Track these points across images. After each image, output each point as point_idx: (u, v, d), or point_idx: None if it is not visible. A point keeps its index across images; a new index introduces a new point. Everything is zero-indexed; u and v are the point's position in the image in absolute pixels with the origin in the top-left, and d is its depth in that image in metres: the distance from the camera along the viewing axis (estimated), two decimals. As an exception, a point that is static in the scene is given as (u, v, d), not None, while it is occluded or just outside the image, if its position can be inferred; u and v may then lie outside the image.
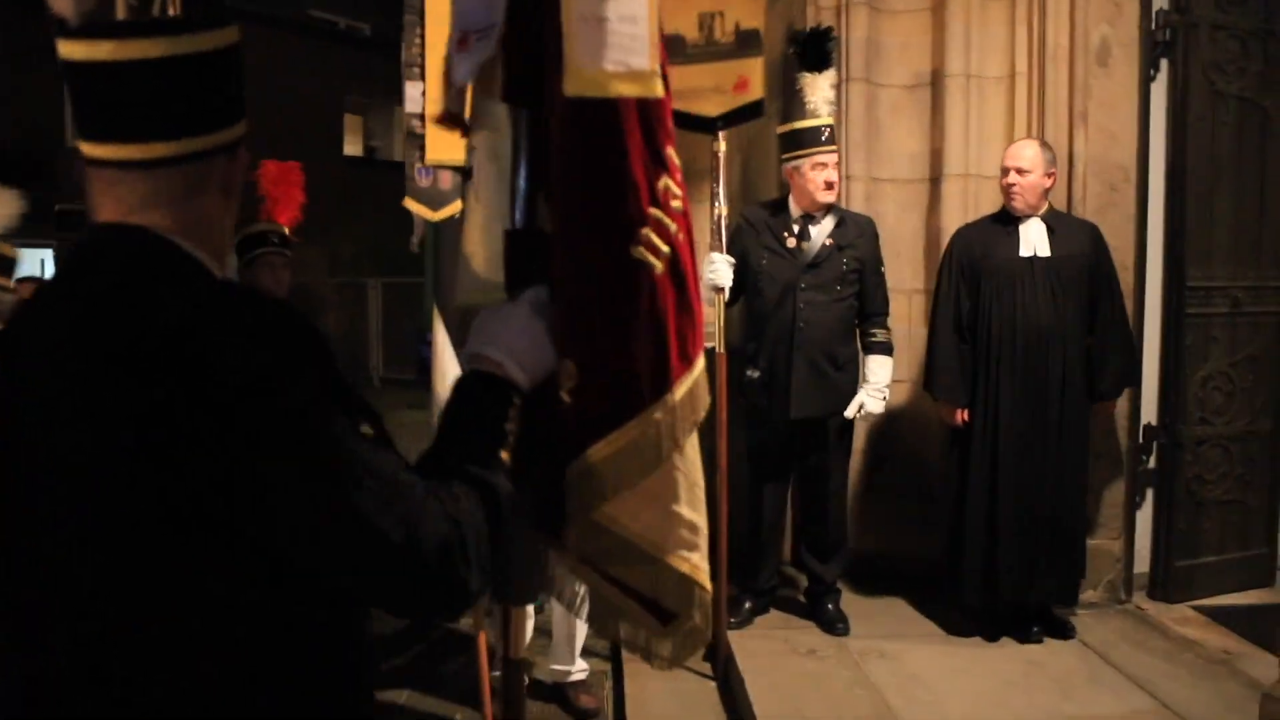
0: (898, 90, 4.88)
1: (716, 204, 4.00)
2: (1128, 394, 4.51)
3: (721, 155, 3.98)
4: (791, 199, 4.26)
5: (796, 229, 4.23)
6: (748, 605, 4.40)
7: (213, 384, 1.06)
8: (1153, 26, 4.58)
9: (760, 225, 4.27)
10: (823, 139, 4.12)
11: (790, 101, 4.34)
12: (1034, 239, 4.15)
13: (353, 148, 21.35)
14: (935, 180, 4.83)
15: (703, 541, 1.69)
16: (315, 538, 1.10)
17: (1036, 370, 4.09)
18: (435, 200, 3.61)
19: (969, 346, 4.21)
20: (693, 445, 1.65)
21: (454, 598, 1.19)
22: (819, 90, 4.21)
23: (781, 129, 4.28)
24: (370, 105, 21.33)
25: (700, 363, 1.65)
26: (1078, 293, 4.13)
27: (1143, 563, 4.68)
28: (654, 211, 1.57)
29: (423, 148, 3.46)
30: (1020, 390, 4.09)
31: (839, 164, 4.28)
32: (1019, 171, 4.12)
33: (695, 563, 1.67)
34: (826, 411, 4.21)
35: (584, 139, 1.53)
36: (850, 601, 4.51)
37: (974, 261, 4.20)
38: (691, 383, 1.62)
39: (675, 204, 1.61)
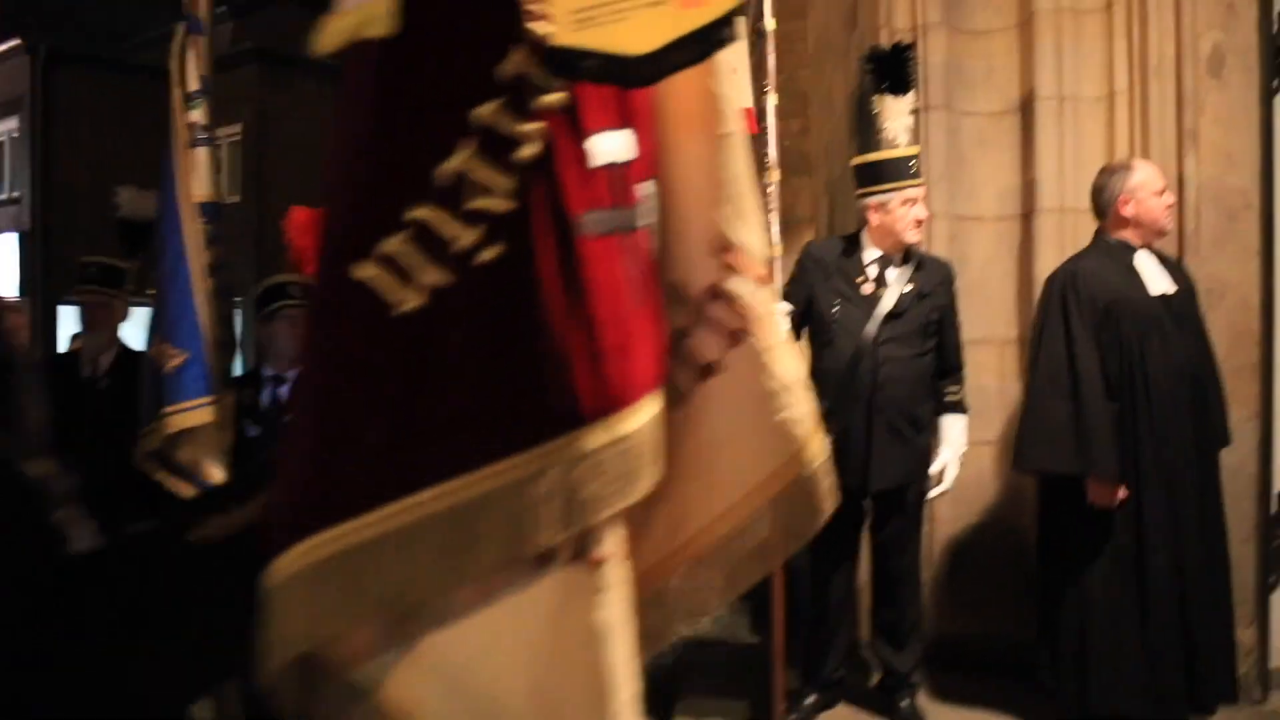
0: (983, 118, 4.40)
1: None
2: (1257, 453, 3.88)
3: (774, 174, 3.52)
4: (867, 237, 3.78)
5: (873, 273, 3.74)
6: (811, 699, 3.88)
7: None
8: (1274, 30, 4.00)
9: (830, 267, 3.78)
10: (910, 172, 3.66)
11: (866, 130, 3.91)
12: (1154, 273, 3.56)
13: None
14: (1027, 216, 4.31)
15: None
16: None
17: (1181, 427, 3.47)
18: None
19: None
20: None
21: None
22: (898, 116, 3.77)
23: (858, 160, 3.84)
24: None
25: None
26: (1198, 332, 3.56)
27: (1281, 656, 3.99)
28: (423, 214, 1.02)
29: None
30: (1170, 452, 3.46)
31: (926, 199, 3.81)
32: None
33: None
34: (907, 480, 3.71)
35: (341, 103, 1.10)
36: (930, 695, 3.97)
37: (1105, 303, 3.50)
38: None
39: (490, 204, 1.02)
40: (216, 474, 3.35)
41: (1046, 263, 4.19)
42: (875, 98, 3.76)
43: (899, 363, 3.65)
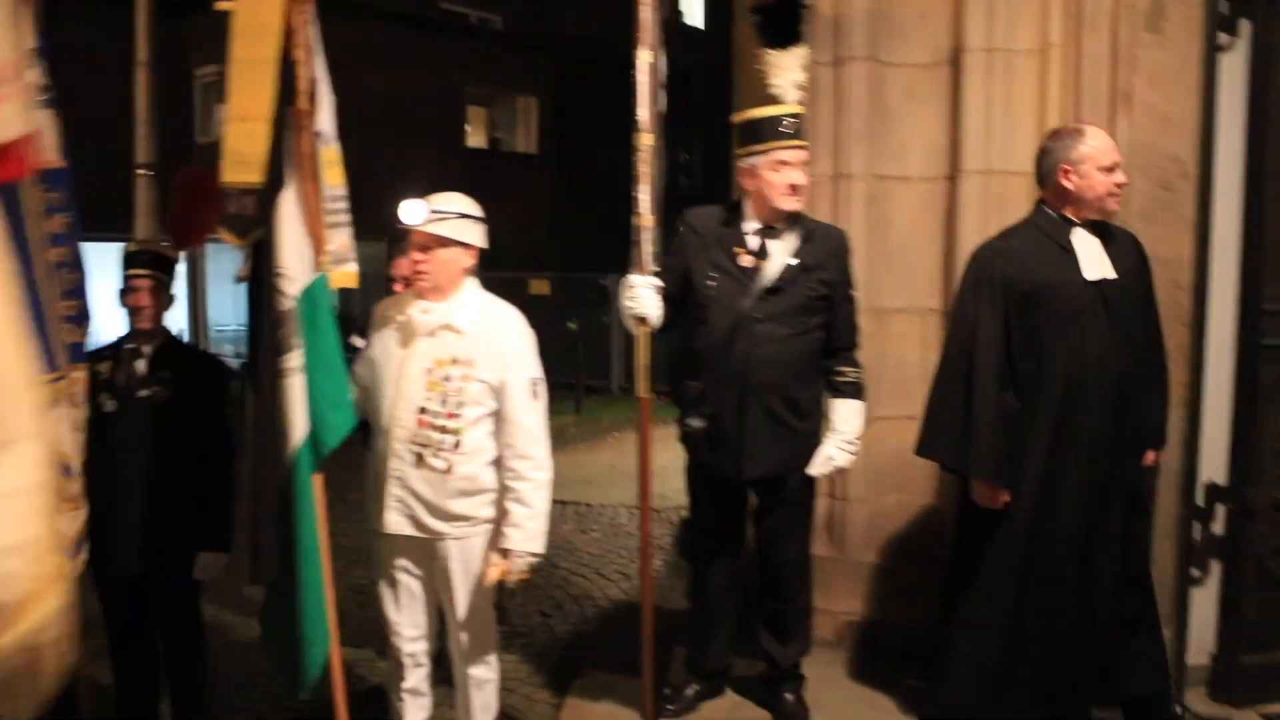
0: (912, 70, 4.04)
1: (636, 212, 3.31)
2: (1181, 446, 3.60)
3: (646, 138, 3.26)
4: (748, 206, 3.47)
5: (754, 244, 3.44)
6: (691, 690, 3.71)
7: None
8: (1219, -19, 3.60)
9: (709, 237, 3.49)
10: (785, 131, 3.33)
11: (749, 86, 3.60)
12: (1093, 255, 3.24)
13: (476, 139, 21.30)
14: (952, 178, 3.99)
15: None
16: None
17: (1097, 425, 3.21)
18: (242, 226, 3.07)
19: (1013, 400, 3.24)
20: None
21: None
22: (785, 71, 3.46)
23: (737, 118, 3.51)
24: (494, 96, 21.22)
25: None
26: (1136, 322, 3.27)
27: (1200, 655, 3.74)
28: None
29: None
30: (1089, 451, 3.21)
31: (809, 163, 3.44)
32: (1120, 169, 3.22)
33: None
34: (787, 468, 3.46)
35: None
36: (825, 684, 3.80)
37: (1024, 288, 3.22)
38: None
39: None
40: (67, 451, 3.22)
41: (970, 229, 3.90)
42: (763, 52, 3.44)
43: (777, 342, 3.37)
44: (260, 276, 3.04)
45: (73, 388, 3.26)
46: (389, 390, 3.14)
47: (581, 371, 12.85)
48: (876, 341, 4.13)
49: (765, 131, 3.34)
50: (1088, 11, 3.63)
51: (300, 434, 2.92)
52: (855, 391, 3.51)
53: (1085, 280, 3.19)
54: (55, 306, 3.22)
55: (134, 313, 3.51)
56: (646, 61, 3.26)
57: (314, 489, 2.95)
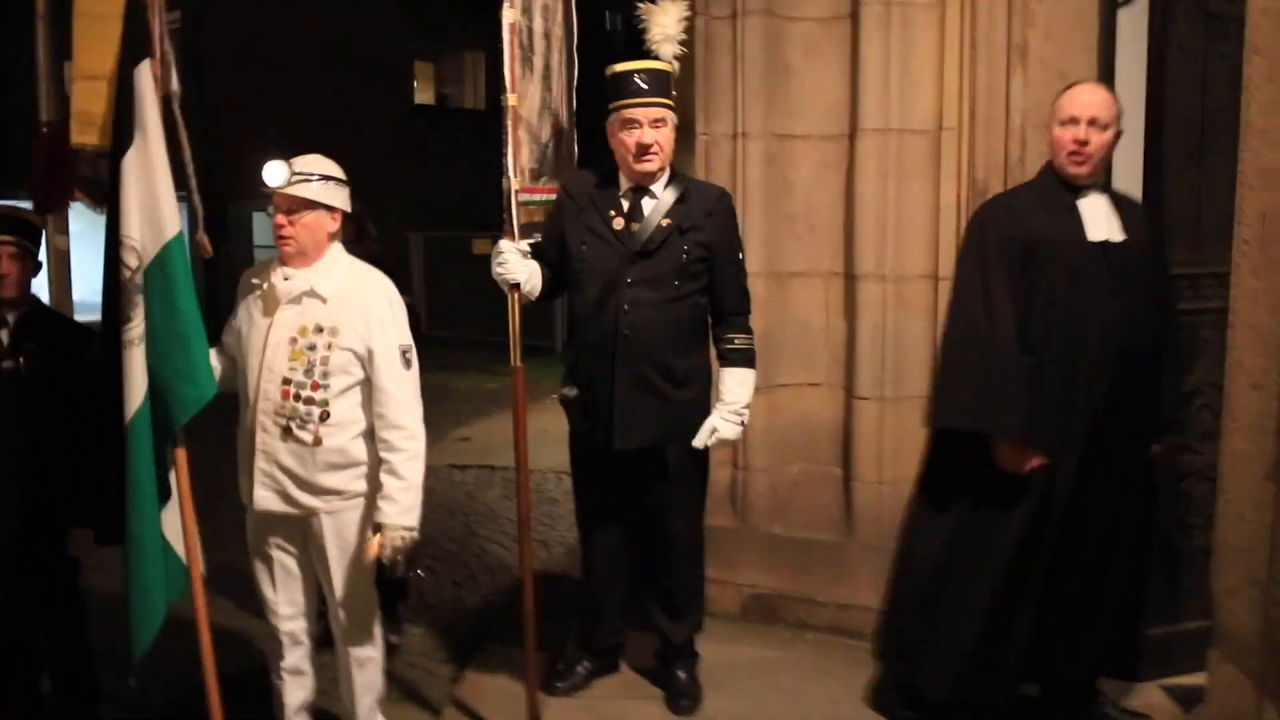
0: (811, 24, 3.90)
1: (506, 176, 3.15)
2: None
3: (511, 98, 3.11)
4: (621, 169, 3.34)
5: (626, 205, 3.30)
6: (583, 666, 3.62)
7: None
8: (1118, -72, 3.47)
9: (583, 200, 3.35)
10: (633, 90, 3.17)
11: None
12: (1100, 216, 3.06)
13: (424, 95, 20.89)
14: (851, 136, 3.85)
15: None
16: None
17: (1107, 401, 3.04)
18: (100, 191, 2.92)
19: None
20: None
21: None
22: (661, 25, 3.30)
23: (609, 72, 3.35)
24: (442, 51, 20.78)
25: None
26: (1145, 292, 3.08)
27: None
28: None
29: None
30: (1087, 423, 3.05)
31: (667, 121, 3.23)
32: (1092, 124, 2.98)
33: None
34: (662, 440, 3.33)
35: None
36: (725, 660, 3.71)
37: (1027, 244, 3.03)
38: None
39: None
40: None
41: (870, 190, 3.79)
42: (642, 5, 3.28)
43: (649, 307, 3.23)
44: (107, 244, 2.88)
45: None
46: (253, 361, 3.00)
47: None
48: (777, 306, 4.02)
49: (619, 89, 3.20)
50: (984, -38, 3.49)
51: (135, 405, 2.76)
52: (744, 359, 3.38)
53: (1089, 241, 3.02)
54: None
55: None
56: (508, 20, 3.09)
57: (155, 463, 2.80)
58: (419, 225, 14.97)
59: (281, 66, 15.84)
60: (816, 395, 4.10)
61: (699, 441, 3.32)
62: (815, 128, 3.93)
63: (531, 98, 3.45)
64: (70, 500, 3.27)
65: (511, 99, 3.14)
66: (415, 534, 3.01)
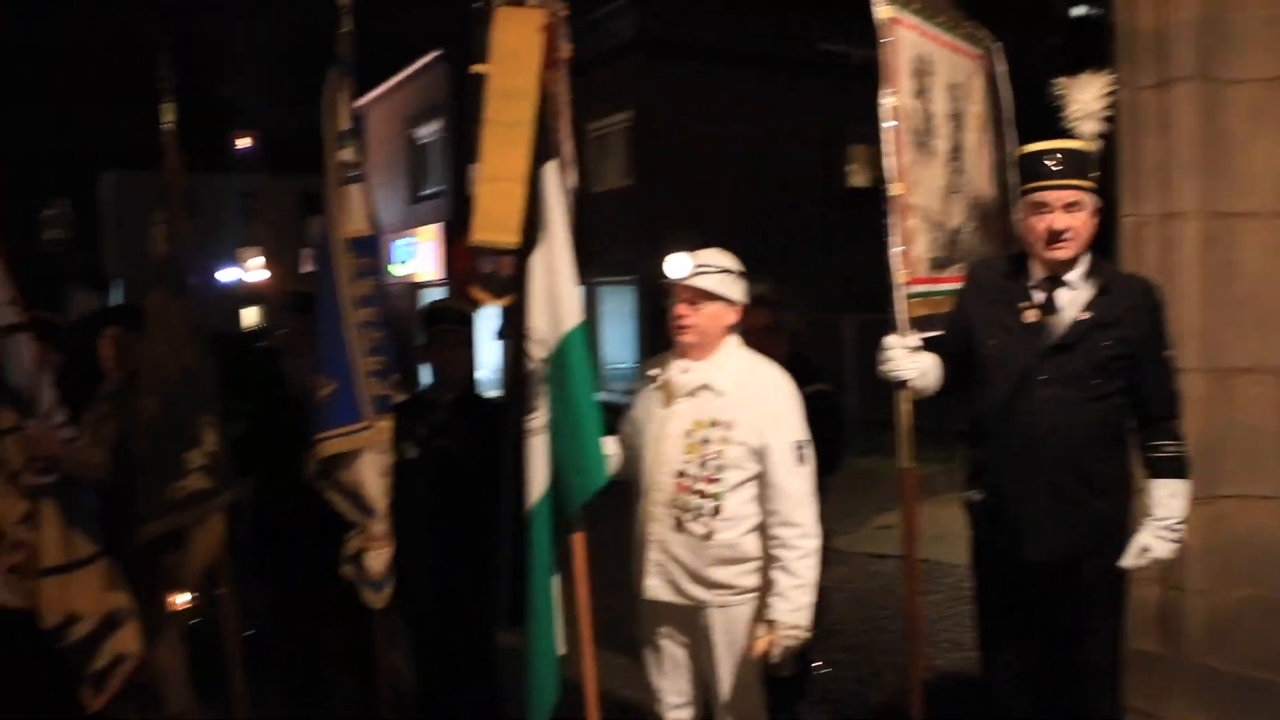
0: (1256, 86, 3.45)
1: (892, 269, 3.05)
2: None
3: (896, 187, 3.00)
4: (1032, 257, 3.09)
5: (1039, 297, 3.04)
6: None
7: None
8: None
9: (992, 289, 3.14)
10: (1046, 171, 2.93)
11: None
12: None
13: (858, 178, 21.06)
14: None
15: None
16: None
17: None
18: (498, 286, 3.14)
19: None
20: None
21: None
22: (1082, 99, 3.07)
23: (1018, 153, 3.15)
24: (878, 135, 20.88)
25: None
26: None
27: None
28: None
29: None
30: None
31: (1084, 205, 2.94)
32: None
33: None
34: (1079, 553, 3.01)
35: None
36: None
37: None
38: None
39: None
40: (374, 494, 3.52)
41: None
42: (1059, 81, 3.06)
43: (1065, 407, 2.95)
44: (511, 337, 3.14)
45: (378, 436, 3.57)
46: (648, 452, 3.11)
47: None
48: (1219, 406, 3.54)
49: (1029, 171, 2.98)
50: None
51: (537, 493, 2.96)
52: (1175, 469, 2.99)
53: None
54: (362, 362, 3.54)
55: (442, 367, 3.75)
56: (890, 104, 3.01)
57: (553, 548, 2.98)
58: (850, 308, 15.00)
59: (717, 156, 16.68)
60: (1267, 510, 3.53)
61: (1128, 562, 2.97)
62: (1264, 203, 3.45)
63: (930, 183, 3.34)
64: (477, 577, 3.53)
65: (895, 188, 3.05)
66: (806, 633, 2.95)
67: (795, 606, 2.91)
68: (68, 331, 5.21)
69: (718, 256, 3.12)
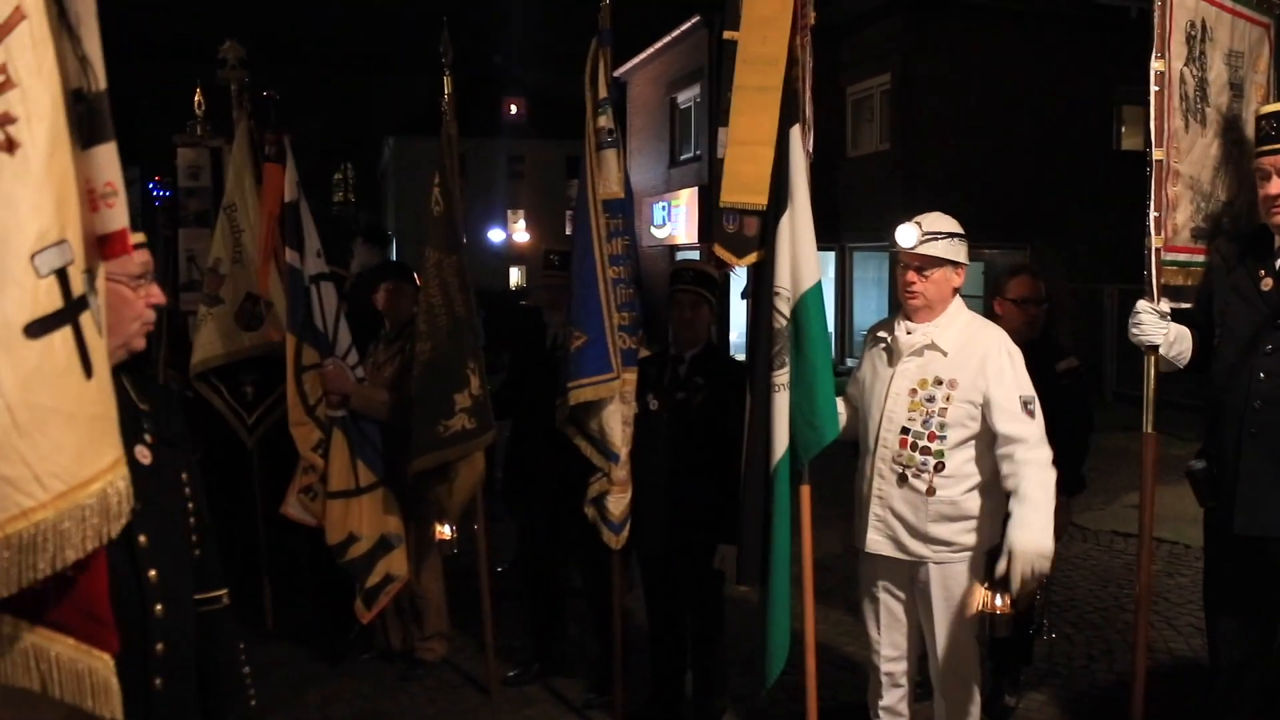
0: None
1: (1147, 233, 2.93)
2: None
3: (1157, 152, 2.89)
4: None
5: (1277, 265, 2.90)
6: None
7: None
8: None
9: (1234, 258, 3.03)
10: (1267, 134, 2.79)
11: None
12: None
13: (1129, 142, 19.70)
14: None
15: None
16: None
17: None
18: (740, 246, 3.21)
19: None
20: None
21: None
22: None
23: (1259, 113, 2.97)
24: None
25: None
26: None
27: None
28: None
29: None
30: None
31: None
32: None
33: None
34: None
35: None
36: None
37: None
38: None
39: None
40: (617, 441, 3.75)
41: None
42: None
43: None
44: (759, 295, 3.23)
45: (624, 387, 3.79)
46: (874, 410, 3.18)
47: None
48: None
49: (1260, 133, 2.85)
50: None
51: (781, 448, 3.06)
52: None
53: None
54: (613, 318, 3.76)
55: (682, 324, 3.92)
56: (1156, 70, 2.90)
57: (790, 503, 3.07)
58: (1115, 278, 14.18)
59: (979, 118, 16.01)
60: None
61: None
62: None
63: (1198, 152, 3.19)
64: (714, 521, 3.67)
65: (1158, 153, 2.94)
66: (1047, 561, 2.89)
67: (1038, 528, 2.86)
68: (350, 283, 5.80)
69: (942, 221, 3.15)
